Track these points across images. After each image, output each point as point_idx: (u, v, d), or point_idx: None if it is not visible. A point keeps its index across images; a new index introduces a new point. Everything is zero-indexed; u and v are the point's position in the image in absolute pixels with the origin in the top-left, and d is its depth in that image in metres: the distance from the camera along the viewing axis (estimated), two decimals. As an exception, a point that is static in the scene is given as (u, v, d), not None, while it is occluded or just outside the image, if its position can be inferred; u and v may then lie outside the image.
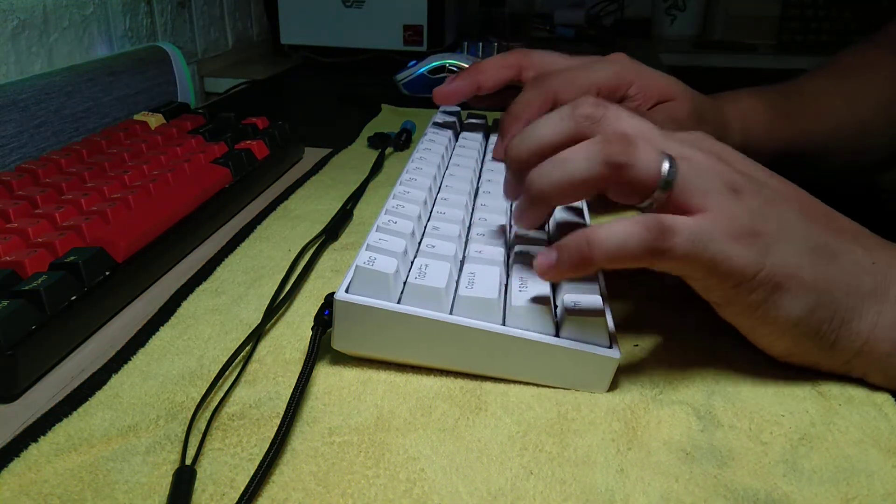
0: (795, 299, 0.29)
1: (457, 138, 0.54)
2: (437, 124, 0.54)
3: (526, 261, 0.33)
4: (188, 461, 0.26)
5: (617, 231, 0.28)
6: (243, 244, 0.45)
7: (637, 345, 0.34)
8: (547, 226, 0.39)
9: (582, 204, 0.41)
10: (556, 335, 0.30)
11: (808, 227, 0.30)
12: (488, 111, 0.61)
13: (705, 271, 0.28)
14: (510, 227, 0.38)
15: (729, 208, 0.28)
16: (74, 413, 0.29)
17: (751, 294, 0.29)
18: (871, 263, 0.30)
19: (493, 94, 0.51)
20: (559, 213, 0.39)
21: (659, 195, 0.28)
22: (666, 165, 0.28)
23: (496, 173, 0.45)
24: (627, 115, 0.31)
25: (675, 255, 0.28)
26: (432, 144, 0.48)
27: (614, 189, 0.29)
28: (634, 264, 0.28)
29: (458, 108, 0.60)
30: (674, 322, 0.35)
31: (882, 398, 0.30)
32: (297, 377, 0.30)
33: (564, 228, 0.37)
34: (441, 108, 0.59)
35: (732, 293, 0.29)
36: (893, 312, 0.30)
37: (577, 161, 0.29)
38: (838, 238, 0.30)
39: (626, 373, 0.32)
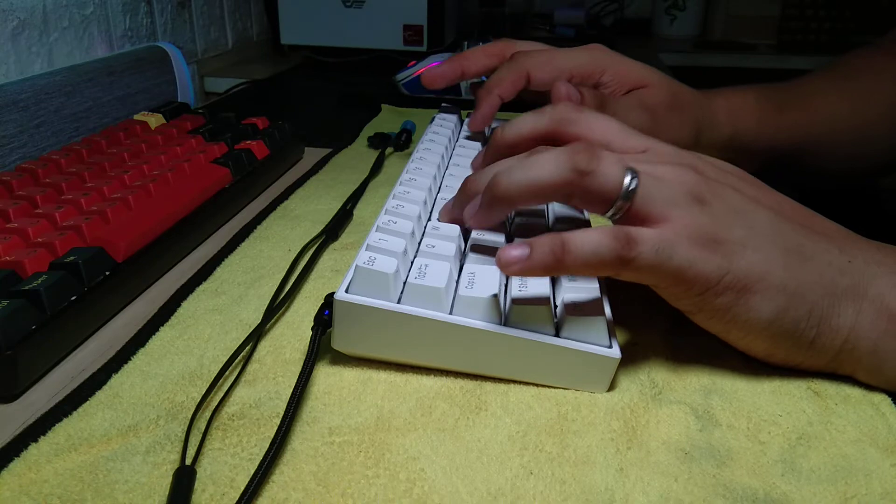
0: (765, 301, 0.29)
1: (457, 138, 0.54)
2: (437, 124, 0.54)
3: None
4: (188, 461, 0.26)
5: (591, 238, 0.28)
6: (243, 244, 0.45)
7: (637, 344, 0.34)
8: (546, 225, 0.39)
9: None
10: (556, 335, 0.30)
11: (781, 231, 0.30)
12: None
13: (671, 280, 0.29)
14: (510, 226, 0.38)
15: (692, 217, 0.29)
16: (74, 413, 0.29)
17: (717, 298, 0.29)
18: (847, 262, 0.30)
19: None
20: (558, 206, 0.39)
21: (621, 205, 0.29)
22: (628, 177, 0.29)
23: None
24: (600, 127, 0.33)
25: (640, 264, 0.28)
26: (432, 144, 0.48)
27: (578, 196, 0.30)
28: (603, 273, 0.29)
29: (458, 110, 0.60)
30: (673, 322, 0.35)
31: (879, 398, 0.31)
32: (297, 377, 0.30)
33: (564, 220, 0.38)
34: (441, 109, 0.59)
35: (699, 299, 0.29)
36: (872, 310, 0.30)
37: (545, 165, 0.30)
38: (814, 240, 0.31)
39: (625, 373, 0.32)
